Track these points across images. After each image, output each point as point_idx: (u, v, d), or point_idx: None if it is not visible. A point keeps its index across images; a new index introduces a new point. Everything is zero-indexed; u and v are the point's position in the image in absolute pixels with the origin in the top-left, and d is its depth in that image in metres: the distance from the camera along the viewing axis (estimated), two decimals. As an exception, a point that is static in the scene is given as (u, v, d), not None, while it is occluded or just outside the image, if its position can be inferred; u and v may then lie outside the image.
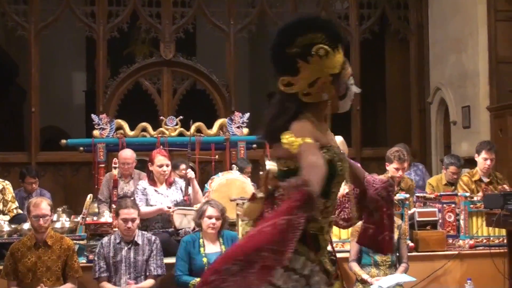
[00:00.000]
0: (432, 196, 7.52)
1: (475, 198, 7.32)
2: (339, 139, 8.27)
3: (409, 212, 7.15)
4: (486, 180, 7.75)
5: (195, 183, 7.23)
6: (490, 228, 7.02)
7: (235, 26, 12.13)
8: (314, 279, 3.11)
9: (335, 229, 6.92)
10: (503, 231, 6.94)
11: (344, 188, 3.50)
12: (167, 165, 7.21)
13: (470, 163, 8.34)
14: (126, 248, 6.15)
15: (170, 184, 7.27)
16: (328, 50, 3.12)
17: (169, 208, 6.94)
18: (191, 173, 7.21)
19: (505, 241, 6.91)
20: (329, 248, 3.31)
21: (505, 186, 7.56)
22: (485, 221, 7.00)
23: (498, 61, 10.44)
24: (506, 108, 9.92)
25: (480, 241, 7.20)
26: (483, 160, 7.69)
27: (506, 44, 10.48)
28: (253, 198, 3.32)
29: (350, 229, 6.43)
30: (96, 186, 8.58)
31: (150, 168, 7.24)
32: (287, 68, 3.18)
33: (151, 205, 7.03)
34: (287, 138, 3.01)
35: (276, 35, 3.29)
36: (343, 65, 3.22)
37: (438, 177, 8.46)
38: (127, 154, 8.05)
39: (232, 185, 7.59)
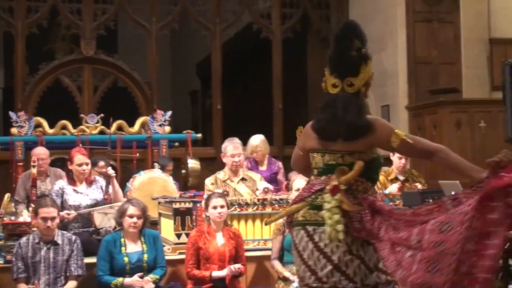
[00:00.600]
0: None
1: (386, 191, 7.45)
2: (260, 138, 8.35)
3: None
4: (402, 178, 7.87)
5: (115, 181, 7.15)
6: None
7: (157, 24, 12.05)
8: None
9: (257, 229, 7.00)
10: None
11: None
12: (86, 164, 7.10)
13: (388, 161, 8.47)
14: (45, 248, 6.03)
15: (90, 183, 7.16)
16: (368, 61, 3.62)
17: (69, 214, 6.81)
18: (111, 171, 7.12)
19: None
20: None
21: (417, 184, 7.68)
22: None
23: (416, 61, 10.67)
24: (424, 108, 10.14)
25: (399, 238, 7.32)
26: (397, 159, 7.81)
27: (424, 45, 10.73)
28: (337, 190, 3.48)
29: (272, 228, 6.47)
30: (14, 185, 8.41)
31: (70, 167, 7.11)
32: (352, 70, 3.56)
33: (70, 205, 6.91)
34: (399, 133, 3.50)
35: (335, 42, 3.64)
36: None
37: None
38: (40, 151, 7.92)
39: (154, 184, 7.55)
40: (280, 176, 8.36)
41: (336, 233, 3.42)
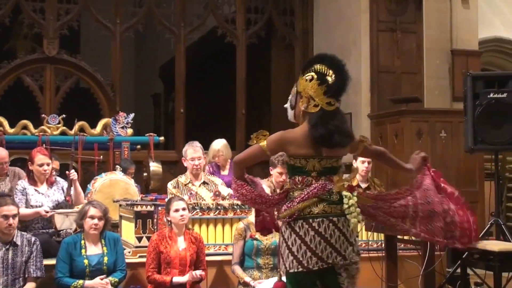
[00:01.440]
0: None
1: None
2: (222, 142, 8.36)
3: (292, 216, 7.23)
4: (364, 185, 7.92)
5: (78, 184, 7.09)
6: (369, 233, 7.20)
7: (121, 25, 11.99)
8: None
9: (218, 233, 7.00)
10: (382, 236, 7.13)
11: None
12: (47, 164, 7.03)
13: (350, 169, 8.53)
14: (4, 249, 5.96)
15: (51, 183, 7.09)
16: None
17: (47, 212, 6.76)
18: (74, 175, 7.07)
19: (383, 245, 7.10)
20: None
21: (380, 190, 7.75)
22: (364, 226, 7.16)
23: (379, 70, 10.78)
24: (386, 116, 10.23)
25: (359, 245, 7.33)
26: (361, 163, 7.86)
27: (386, 54, 10.84)
28: (353, 188, 4.30)
29: (233, 233, 6.48)
30: (-27, 185, 8.29)
31: (30, 168, 7.03)
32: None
33: (32, 206, 6.84)
34: (365, 137, 4.62)
35: (340, 71, 4.36)
36: None
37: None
38: (2, 153, 7.82)
39: (116, 186, 7.53)
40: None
41: (358, 222, 4.24)
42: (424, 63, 10.86)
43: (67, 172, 7.10)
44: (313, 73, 4.25)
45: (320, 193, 4.21)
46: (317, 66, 4.28)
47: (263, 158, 4.43)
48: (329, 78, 4.26)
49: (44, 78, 11.77)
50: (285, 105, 4.42)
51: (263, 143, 4.31)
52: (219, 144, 8.38)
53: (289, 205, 4.22)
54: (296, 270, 4.18)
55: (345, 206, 4.20)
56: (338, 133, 4.23)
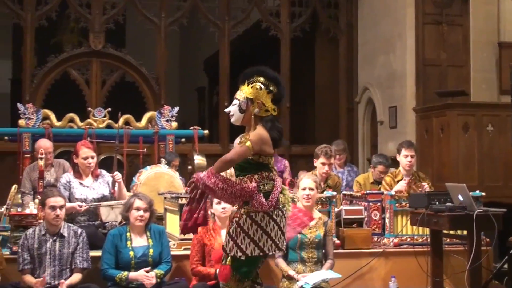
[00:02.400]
0: (359, 194, 7.61)
1: (394, 190, 7.46)
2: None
3: (336, 209, 7.22)
4: (408, 179, 7.86)
5: (122, 184, 7.14)
6: (415, 227, 7.14)
7: (166, 19, 12.06)
8: None
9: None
10: (427, 230, 7.07)
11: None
12: (92, 157, 7.08)
13: (396, 163, 8.47)
14: (51, 240, 6.04)
15: (96, 176, 7.15)
16: None
17: (81, 206, 6.81)
18: (119, 176, 7.12)
19: (428, 240, 7.05)
20: None
21: (424, 184, 7.66)
22: (409, 220, 7.12)
23: (424, 63, 10.66)
24: (432, 110, 10.12)
25: (404, 239, 7.32)
26: (404, 158, 7.78)
27: (432, 47, 10.72)
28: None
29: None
30: (20, 177, 8.41)
31: (75, 161, 7.10)
32: None
33: (76, 199, 6.91)
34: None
35: (280, 84, 4.85)
36: None
37: (366, 176, 8.56)
38: (46, 143, 7.91)
39: (161, 179, 7.55)
40: (286, 174, 8.36)
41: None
42: (470, 56, 10.70)
43: (111, 175, 7.16)
44: (260, 84, 4.76)
45: (281, 187, 4.81)
46: (260, 78, 4.80)
47: (246, 157, 4.76)
48: (272, 89, 4.80)
49: (90, 71, 11.90)
50: (229, 109, 4.78)
51: (249, 143, 4.67)
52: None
53: (273, 197, 4.70)
54: (256, 255, 4.69)
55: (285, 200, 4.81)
56: (282, 135, 4.87)
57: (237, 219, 4.70)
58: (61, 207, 6.05)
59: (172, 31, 12.44)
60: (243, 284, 4.77)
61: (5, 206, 6.94)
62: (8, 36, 15.61)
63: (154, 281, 5.97)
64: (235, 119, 4.81)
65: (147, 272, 5.96)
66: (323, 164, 7.57)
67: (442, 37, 10.73)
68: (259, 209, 4.64)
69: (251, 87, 4.75)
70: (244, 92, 4.77)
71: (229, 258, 4.70)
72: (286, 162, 8.54)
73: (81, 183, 7.01)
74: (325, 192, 7.23)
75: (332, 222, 6.90)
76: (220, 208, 6.17)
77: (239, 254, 4.64)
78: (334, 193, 7.24)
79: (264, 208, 4.64)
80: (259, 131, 4.72)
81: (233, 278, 4.73)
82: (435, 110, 10.02)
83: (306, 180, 6.43)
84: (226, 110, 4.84)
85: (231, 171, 4.89)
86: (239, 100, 4.77)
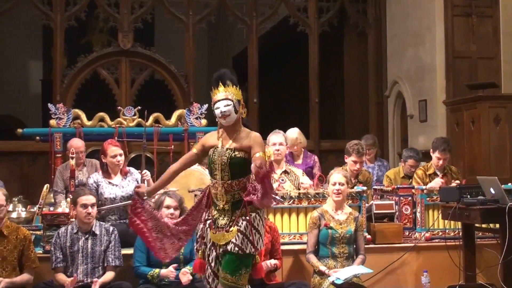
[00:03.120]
0: (389, 188, 7.57)
1: (427, 186, 7.41)
2: (296, 130, 8.33)
3: (367, 204, 7.20)
4: (440, 174, 7.82)
5: (151, 182, 7.18)
6: (446, 221, 7.10)
7: (194, 17, 12.08)
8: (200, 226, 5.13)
9: (293, 222, 6.99)
10: (459, 224, 7.02)
11: None
12: (120, 155, 7.14)
13: (427, 156, 8.41)
14: (83, 238, 6.09)
15: (125, 174, 7.20)
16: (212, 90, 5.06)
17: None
18: (147, 174, 7.17)
19: (460, 234, 7.00)
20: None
21: (457, 181, 7.62)
22: (441, 214, 7.08)
23: (454, 55, 10.56)
24: (462, 103, 10.04)
25: (436, 233, 7.28)
26: (436, 159, 7.76)
27: (462, 39, 10.61)
28: None
29: (308, 222, 6.47)
30: (53, 176, 8.46)
31: (104, 160, 7.15)
32: None
33: (106, 198, 6.97)
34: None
35: None
36: (213, 98, 5.05)
37: (396, 170, 8.52)
38: (78, 143, 7.96)
39: (191, 177, 7.55)
40: (316, 170, 8.33)
41: None
42: (501, 47, 10.57)
43: (139, 171, 7.19)
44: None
45: None
46: (234, 81, 5.10)
47: None
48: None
49: (119, 71, 11.97)
50: (225, 109, 4.95)
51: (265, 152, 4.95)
52: (295, 133, 8.38)
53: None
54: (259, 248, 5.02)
55: None
56: None
57: (247, 217, 4.89)
58: (92, 205, 6.11)
59: (200, 28, 12.45)
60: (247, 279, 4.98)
61: (37, 206, 7.00)
62: (39, 38, 15.76)
63: (190, 277, 6.00)
64: (230, 119, 4.99)
65: (175, 269, 5.99)
66: (355, 162, 7.55)
67: (471, 29, 10.62)
68: (266, 206, 4.97)
69: (237, 89, 5.05)
70: (234, 94, 5.01)
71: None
72: (316, 158, 8.52)
73: (110, 182, 7.07)
74: (355, 187, 7.21)
75: (363, 217, 6.89)
76: None
77: (252, 250, 4.87)
78: (365, 188, 7.21)
79: (270, 205, 5.04)
80: (258, 135, 5.05)
81: (244, 275, 4.91)
82: (466, 103, 9.94)
83: (336, 175, 6.42)
84: (223, 110, 4.95)
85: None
86: (232, 101, 4.99)
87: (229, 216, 4.94)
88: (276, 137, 7.43)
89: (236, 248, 4.84)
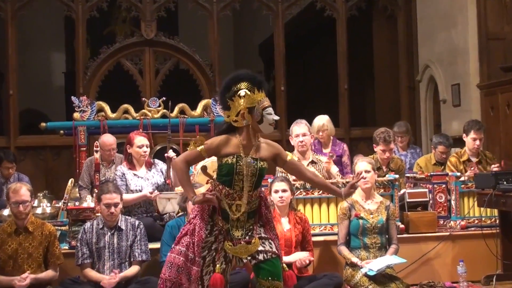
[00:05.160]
0: (423, 176, 7.52)
1: (462, 179, 7.34)
2: (325, 117, 8.30)
3: (399, 193, 7.16)
4: (475, 159, 7.76)
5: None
6: (482, 209, 7.04)
7: (218, 4, 12.05)
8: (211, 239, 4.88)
9: (323, 212, 6.97)
10: (495, 211, 6.96)
11: None
12: (147, 146, 7.17)
13: (461, 142, 8.34)
14: (109, 233, 6.12)
15: (150, 165, 7.21)
16: (247, 92, 4.82)
17: (151, 193, 6.89)
18: (171, 153, 7.18)
19: (497, 221, 6.94)
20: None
21: (497, 165, 7.54)
22: (476, 202, 7.02)
23: (488, 37, 10.43)
24: (497, 86, 9.93)
25: (471, 221, 7.23)
26: (472, 141, 7.69)
27: (495, 20, 10.47)
28: None
29: (338, 212, 6.45)
30: (77, 171, 8.52)
31: (129, 151, 7.16)
32: (225, 106, 4.93)
33: (132, 190, 6.98)
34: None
35: (222, 85, 5.01)
36: (258, 101, 4.81)
37: (427, 157, 8.46)
38: (109, 139, 7.96)
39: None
40: (345, 158, 8.30)
41: None
42: (536, 27, 10.45)
43: (165, 154, 7.21)
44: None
45: None
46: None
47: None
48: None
49: (143, 61, 12.01)
50: (277, 117, 4.92)
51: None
52: (323, 119, 8.33)
53: None
54: None
55: None
56: None
57: (260, 222, 4.98)
58: (115, 204, 6.09)
59: (225, 16, 12.42)
60: None
61: (62, 201, 7.05)
62: (61, 29, 15.86)
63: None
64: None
65: None
66: (383, 150, 7.52)
67: (505, 9, 10.48)
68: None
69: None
70: (266, 100, 4.87)
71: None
72: (345, 146, 8.48)
73: (135, 174, 7.09)
74: (387, 176, 7.18)
75: (395, 206, 6.86)
76: (277, 197, 6.17)
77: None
78: (397, 176, 7.17)
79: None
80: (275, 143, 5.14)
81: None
82: (501, 86, 9.82)
83: (361, 163, 6.39)
84: (276, 118, 4.86)
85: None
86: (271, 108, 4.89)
87: (243, 226, 4.90)
88: (298, 127, 7.34)
89: (270, 254, 4.86)
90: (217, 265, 4.83)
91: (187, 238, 4.93)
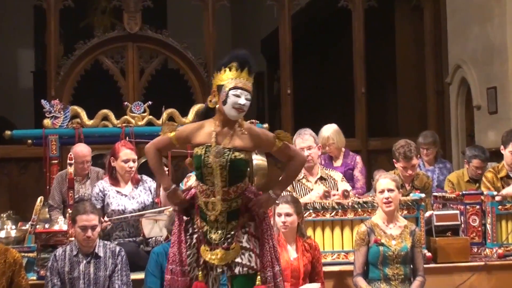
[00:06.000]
0: (453, 195, 7.51)
1: (498, 198, 7.33)
2: (332, 128, 8.29)
3: (426, 215, 7.14)
4: (514, 175, 7.77)
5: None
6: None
7: (214, -8, 12.11)
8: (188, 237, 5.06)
9: (336, 237, 6.96)
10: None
11: None
12: (133, 161, 7.15)
13: (498, 155, 8.34)
14: (84, 261, 6.10)
15: (136, 182, 7.21)
16: (219, 71, 5.00)
17: (106, 221, 6.87)
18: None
19: None
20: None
21: None
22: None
23: (529, 33, 10.47)
24: (540, 89, 9.97)
25: (510, 249, 7.22)
26: (510, 156, 7.68)
27: (538, 14, 10.50)
28: None
29: (355, 237, 6.44)
30: (47, 187, 8.52)
31: (113, 164, 7.16)
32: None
33: (113, 210, 6.97)
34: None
35: None
36: (230, 80, 4.93)
37: (459, 173, 8.46)
38: (83, 150, 7.97)
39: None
40: (356, 172, 8.29)
41: None
42: None
43: (155, 189, 7.21)
44: None
45: None
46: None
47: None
48: None
49: (125, 59, 12.02)
50: (247, 103, 4.92)
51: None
52: (328, 131, 8.32)
53: None
54: None
55: None
56: None
57: (247, 228, 5.01)
58: (93, 227, 6.06)
59: (222, 6, 12.45)
60: None
61: (29, 223, 7.03)
62: (29, 21, 15.90)
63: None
64: (242, 115, 4.98)
65: None
66: (404, 168, 7.49)
67: (550, -1, 10.53)
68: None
69: (252, 76, 5.00)
70: (250, 82, 4.97)
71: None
72: (358, 158, 8.45)
73: (118, 192, 7.07)
74: (411, 195, 7.17)
75: (421, 231, 6.84)
76: (280, 222, 6.16)
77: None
78: (423, 195, 7.16)
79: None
80: (258, 128, 5.28)
81: None
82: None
83: (384, 180, 6.37)
84: (243, 102, 4.89)
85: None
86: (249, 92, 4.96)
87: (224, 229, 4.95)
88: (302, 140, 7.25)
89: (245, 268, 4.89)
90: (199, 272, 4.98)
91: (173, 249, 5.06)
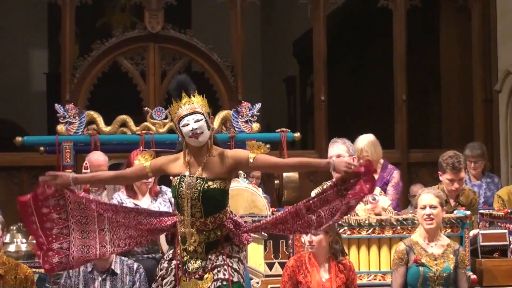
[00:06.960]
0: (501, 213, 7.49)
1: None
2: (367, 139, 8.28)
3: (471, 234, 7.13)
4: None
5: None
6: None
7: (245, -10, 12.15)
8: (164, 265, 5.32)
9: (373, 257, 6.96)
10: None
11: None
12: (151, 172, 7.19)
13: None
14: (100, 278, 6.15)
15: (155, 194, 7.25)
16: (172, 106, 5.25)
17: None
18: None
19: None
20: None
21: None
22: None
23: None
24: None
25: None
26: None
27: None
28: None
29: (393, 257, 6.44)
30: (61, 198, 8.56)
31: (130, 175, 7.20)
32: None
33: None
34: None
35: None
36: (174, 115, 5.22)
37: (510, 188, 8.42)
38: (99, 158, 8.01)
39: (239, 198, 7.56)
40: (390, 186, 8.25)
41: None
42: None
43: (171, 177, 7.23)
44: None
45: None
46: None
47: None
48: None
49: (146, 61, 12.05)
50: (197, 125, 5.09)
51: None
52: (363, 142, 8.28)
53: None
54: None
55: None
56: None
57: (225, 258, 5.21)
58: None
59: (251, 5, 12.48)
60: None
61: (42, 236, 7.08)
62: (43, 20, 15.97)
63: None
64: (203, 138, 5.14)
65: None
66: (451, 180, 7.46)
67: None
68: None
69: (204, 99, 5.30)
70: (202, 105, 5.23)
71: None
72: (395, 171, 8.40)
73: (135, 205, 7.10)
74: (455, 212, 7.15)
75: (466, 251, 6.83)
76: (306, 241, 6.17)
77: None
78: (468, 212, 7.14)
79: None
80: (234, 150, 5.65)
81: None
82: None
83: (426, 195, 6.38)
84: (194, 126, 5.07)
85: None
86: (202, 114, 5.17)
87: (203, 259, 5.19)
88: (332, 149, 7.14)
89: (220, 281, 5.10)
90: None
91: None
